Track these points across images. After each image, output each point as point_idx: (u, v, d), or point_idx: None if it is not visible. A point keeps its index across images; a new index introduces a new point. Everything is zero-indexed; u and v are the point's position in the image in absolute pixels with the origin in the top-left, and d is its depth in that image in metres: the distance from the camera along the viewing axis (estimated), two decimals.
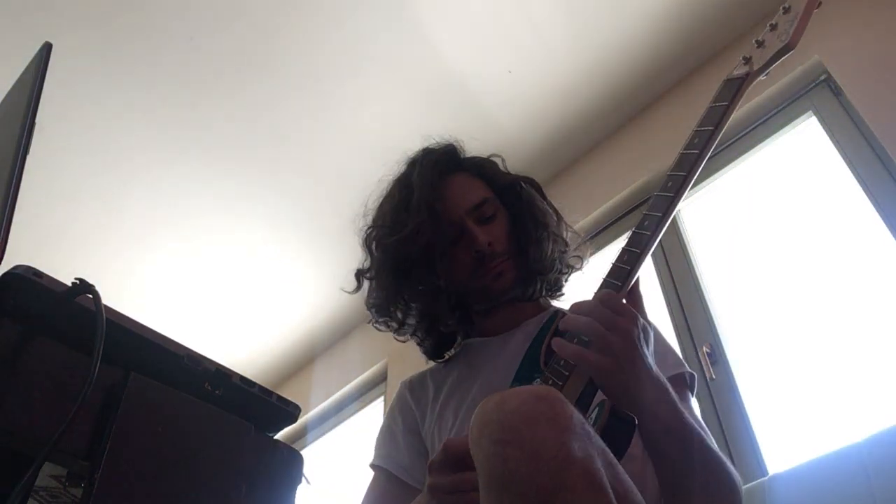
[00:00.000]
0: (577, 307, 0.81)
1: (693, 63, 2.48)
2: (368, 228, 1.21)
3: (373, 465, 1.12)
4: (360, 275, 1.21)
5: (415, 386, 1.19)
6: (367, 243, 1.20)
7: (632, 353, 0.77)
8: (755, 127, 2.24)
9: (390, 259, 1.13)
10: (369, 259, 1.19)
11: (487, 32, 2.36)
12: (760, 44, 0.90)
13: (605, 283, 0.85)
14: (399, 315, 1.17)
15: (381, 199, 1.22)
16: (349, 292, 1.23)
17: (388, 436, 1.15)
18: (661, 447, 0.80)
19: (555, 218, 1.20)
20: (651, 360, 0.80)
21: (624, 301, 0.84)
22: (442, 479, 0.74)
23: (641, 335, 0.79)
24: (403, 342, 1.23)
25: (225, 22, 2.25)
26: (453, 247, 1.11)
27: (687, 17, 2.34)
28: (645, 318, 0.84)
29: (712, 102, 0.89)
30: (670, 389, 0.81)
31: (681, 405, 0.82)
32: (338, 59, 2.39)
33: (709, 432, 0.93)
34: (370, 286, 1.20)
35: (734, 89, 0.88)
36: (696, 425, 0.84)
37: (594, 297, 0.82)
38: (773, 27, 0.89)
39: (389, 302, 1.16)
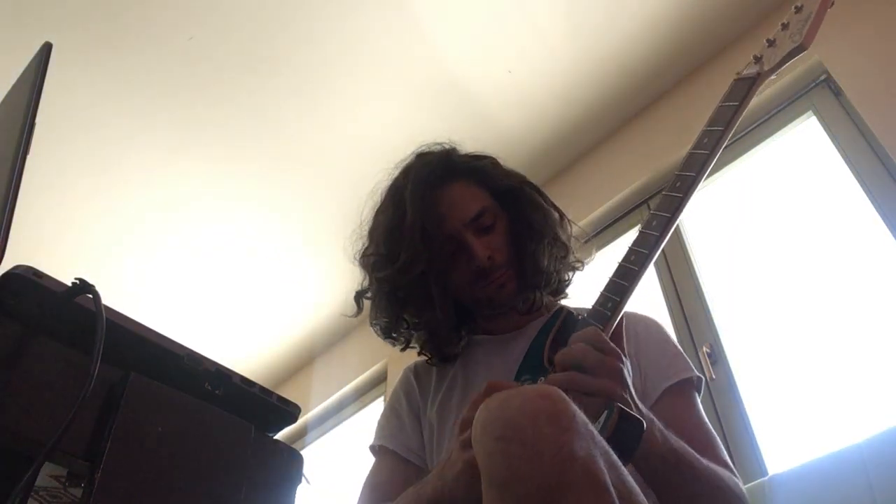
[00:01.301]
0: (574, 339, 0.80)
1: (693, 63, 2.47)
2: (364, 251, 1.19)
3: (377, 446, 1.11)
4: (359, 297, 1.20)
5: (420, 372, 1.19)
6: (364, 266, 1.18)
7: (620, 393, 0.76)
8: (755, 127, 2.24)
9: (386, 287, 1.12)
10: (367, 280, 1.18)
11: (487, 32, 2.36)
12: (771, 43, 0.89)
13: (612, 284, 0.84)
14: (402, 336, 1.17)
15: (374, 211, 1.20)
16: (350, 316, 1.22)
17: (392, 417, 1.14)
18: (655, 477, 0.80)
19: (556, 218, 1.18)
20: (634, 393, 0.80)
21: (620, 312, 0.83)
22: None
23: (625, 370, 0.79)
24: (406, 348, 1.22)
25: (225, 21, 2.25)
26: (453, 260, 1.10)
27: (687, 16, 2.34)
28: (624, 350, 0.83)
29: (722, 102, 0.89)
30: (655, 420, 0.81)
31: (668, 434, 0.82)
32: (338, 58, 2.39)
33: (714, 438, 0.93)
34: (372, 304, 1.19)
35: (745, 89, 0.88)
36: (689, 449, 0.84)
37: (585, 336, 0.80)
38: (785, 26, 0.89)
39: (392, 327, 1.16)
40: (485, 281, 1.09)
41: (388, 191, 1.18)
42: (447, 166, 1.16)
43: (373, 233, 1.18)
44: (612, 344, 0.79)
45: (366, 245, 1.19)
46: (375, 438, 1.13)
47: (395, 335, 1.17)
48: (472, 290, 1.10)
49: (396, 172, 1.20)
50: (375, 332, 1.20)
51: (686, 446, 0.83)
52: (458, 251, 1.09)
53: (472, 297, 1.12)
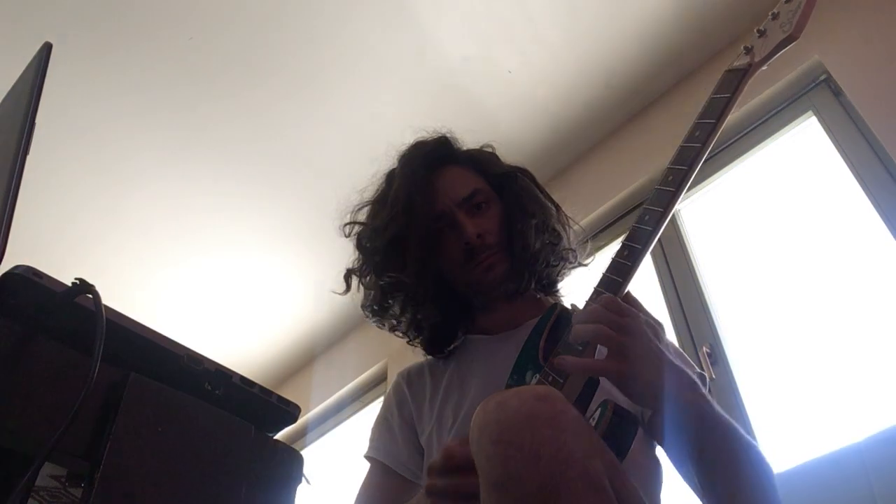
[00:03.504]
0: (580, 315, 0.80)
1: (693, 62, 2.47)
2: (352, 224, 1.21)
3: (368, 457, 1.11)
4: (348, 275, 1.20)
5: (412, 378, 1.18)
6: (354, 240, 1.20)
7: (647, 351, 0.76)
8: (755, 127, 2.24)
9: (368, 255, 1.13)
10: (357, 258, 1.19)
11: (487, 32, 2.36)
12: (762, 33, 0.88)
13: (606, 279, 0.84)
14: (391, 312, 1.15)
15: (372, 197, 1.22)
16: (339, 293, 1.22)
17: (384, 428, 1.14)
18: (698, 437, 0.77)
19: (552, 209, 1.18)
20: (668, 352, 0.79)
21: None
22: (441, 482, 0.73)
23: (649, 330, 0.78)
24: (401, 337, 1.21)
25: (224, 22, 2.25)
26: (444, 238, 1.10)
27: (686, 17, 2.34)
28: (651, 317, 0.83)
29: (713, 94, 0.87)
30: (696, 379, 0.79)
31: (708, 395, 0.80)
32: (337, 59, 2.39)
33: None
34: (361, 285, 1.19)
35: (736, 81, 0.86)
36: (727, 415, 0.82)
37: (596, 303, 0.80)
38: (775, 16, 0.88)
39: (375, 300, 1.15)
40: (473, 262, 1.08)
41: (385, 176, 1.22)
42: (443, 151, 1.20)
43: (364, 210, 1.21)
44: (629, 306, 0.79)
45: (355, 221, 1.22)
46: (368, 448, 1.13)
47: (376, 309, 1.16)
48: (462, 271, 1.10)
49: (395, 160, 1.22)
50: (364, 307, 1.19)
51: (724, 414, 0.81)
52: (448, 229, 1.10)
53: (463, 280, 1.11)
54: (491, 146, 1.26)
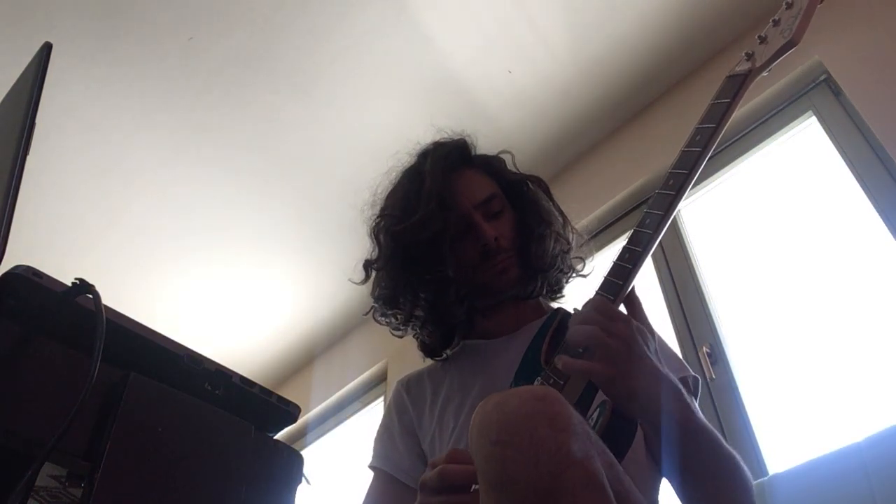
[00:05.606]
0: (575, 318, 0.81)
1: (692, 63, 2.47)
2: (377, 218, 1.20)
3: (372, 467, 1.12)
4: (368, 265, 1.20)
5: (412, 386, 1.18)
6: (375, 233, 1.19)
7: (632, 356, 0.77)
8: (755, 127, 2.24)
9: (399, 248, 1.13)
10: (377, 249, 1.18)
11: (487, 32, 2.36)
12: (763, 39, 0.89)
13: (607, 283, 0.84)
14: (407, 306, 1.15)
15: (389, 190, 1.22)
16: (357, 283, 1.21)
17: (386, 437, 1.14)
18: (677, 446, 0.79)
19: (560, 219, 1.20)
20: (655, 359, 0.80)
21: (623, 304, 0.84)
22: (434, 499, 0.73)
23: (639, 337, 0.79)
24: (401, 337, 1.21)
25: (225, 23, 2.25)
26: (460, 240, 1.11)
27: (687, 16, 2.34)
28: (646, 322, 0.84)
29: (714, 99, 0.88)
30: (681, 388, 0.81)
31: (693, 404, 0.82)
32: (338, 59, 2.39)
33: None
34: (377, 277, 1.19)
35: (736, 86, 0.87)
36: (710, 427, 0.84)
37: (588, 305, 0.82)
38: (776, 22, 0.89)
39: (398, 292, 1.15)
40: (488, 263, 1.09)
41: (405, 172, 1.22)
42: (462, 153, 1.21)
43: (387, 203, 1.20)
44: (619, 311, 0.81)
45: (378, 214, 1.20)
46: (372, 458, 1.13)
47: (400, 300, 1.15)
48: (475, 273, 1.10)
49: (413, 157, 1.23)
50: (377, 308, 1.18)
51: (708, 424, 0.83)
52: (465, 232, 1.11)
53: (474, 282, 1.11)
54: (509, 152, 1.28)
